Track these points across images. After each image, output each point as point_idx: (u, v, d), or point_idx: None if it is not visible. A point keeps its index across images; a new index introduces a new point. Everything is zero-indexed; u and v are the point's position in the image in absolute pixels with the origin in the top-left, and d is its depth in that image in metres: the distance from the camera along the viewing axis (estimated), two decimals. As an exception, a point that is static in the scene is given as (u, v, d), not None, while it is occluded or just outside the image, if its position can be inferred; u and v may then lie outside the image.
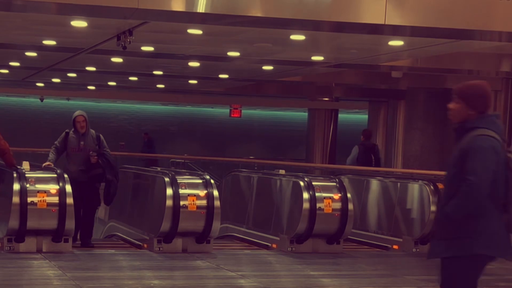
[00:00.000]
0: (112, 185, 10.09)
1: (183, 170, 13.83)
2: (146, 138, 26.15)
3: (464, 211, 4.45)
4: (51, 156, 10.14)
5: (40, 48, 13.50)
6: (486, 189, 4.40)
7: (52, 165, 9.87)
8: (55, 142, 10.25)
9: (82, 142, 10.09)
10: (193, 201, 9.67)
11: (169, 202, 9.60)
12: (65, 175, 9.42)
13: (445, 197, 4.58)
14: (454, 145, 4.66)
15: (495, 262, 4.73)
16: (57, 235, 9.32)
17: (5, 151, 9.51)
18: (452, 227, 4.51)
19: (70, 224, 9.25)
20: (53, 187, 9.29)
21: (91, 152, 9.99)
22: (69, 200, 9.20)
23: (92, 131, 10.23)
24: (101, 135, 10.28)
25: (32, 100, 27.10)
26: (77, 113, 10.24)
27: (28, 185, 9.19)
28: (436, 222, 4.68)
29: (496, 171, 4.46)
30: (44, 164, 9.91)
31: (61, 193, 9.23)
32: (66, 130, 10.28)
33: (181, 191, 9.67)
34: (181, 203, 9.59)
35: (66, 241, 9.42)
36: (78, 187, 9.77)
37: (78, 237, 10.15)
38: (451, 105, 4.67)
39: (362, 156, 15.14)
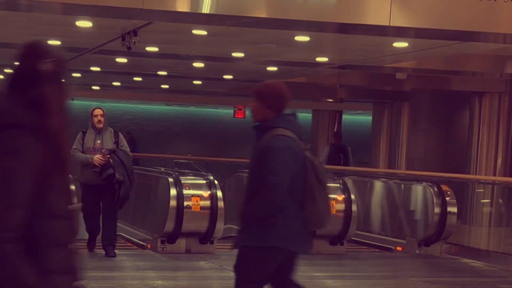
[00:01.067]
0: (124, 186, 8.93)
1: (186, 171, 13.85)
2: (128, 137, 25.58)
3: (266, 209, 4.63)
4: (82, 155, 9.06)
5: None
6: (284, 187, 4.55)
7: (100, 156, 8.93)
8: (74, 147, 9.06)
9: (98, 141, 9.12)
10: (196, 201, 9.68)
11: (172, 203, 9.61)
12: (69, 175, 9.39)
13: (248, 192, 4.79)
14: (254, 144, 4.79)
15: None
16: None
17: None
18: (252, 220, 4.73)
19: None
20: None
21: (103, 150, 9.00)
22: (73, 201, 9.20)
23: (110, 128, 9.27)
24: (120, 133, 9.30)
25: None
26: (94, 106, 9.48)
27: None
28: (239, 215, 4.87)
29: (293, 170, 4.58)
30: (96, 157, 8.96)
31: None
32: (83, 130, 9.34)
33: (185, 191, 9.69)
34: (185, 203, 9.61)
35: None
36: (93, 191, 9.03)
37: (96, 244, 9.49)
38: (251, 104, 4.78)
39: (332, 156, 16.28)
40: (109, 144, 9.11)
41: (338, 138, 17.39)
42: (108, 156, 8.93)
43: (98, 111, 9.20)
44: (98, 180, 8.99)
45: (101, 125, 9.13)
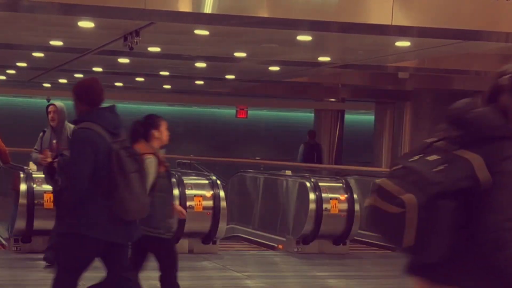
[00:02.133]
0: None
1: (189, 171, 13.85)
2: None
3: (71, 197, 4.83)
4: (34, 156, 8.45)
5: (47, 48, 13.52)
6: (86, 177, 4.74)
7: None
8: (34, 147, 8.46)
9: (54, 141, 8.28)
10: (199, 201, 9.68)
11: (175, 203, 9.60)
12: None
13: (63, 182, 4.99)
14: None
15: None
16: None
17: (2, 151, 9.47)
18: (66, 209, 4.90)
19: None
20: (59, 188, 9.29)
21: (48, 152, 7.90)
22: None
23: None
24: None
25: (39, 101, 27.14)
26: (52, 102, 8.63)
27: (35, 186, 9.20)
28: (54, 204, 5.19)
29: (96, 161, 4.76)
30: (40, 156, 8.21)
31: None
32: (43, 129, 8.58)
33: (187, 191, 9.69)
34: (187, 203, 9.60)
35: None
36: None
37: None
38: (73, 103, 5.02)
39: (306, 154, 17.33)
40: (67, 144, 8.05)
41: (312, 137, 18.24)
42: (50, 160, 6.87)
43: (51, 107, 8.37)
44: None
45: (54, 123, 8.30)
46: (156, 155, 5.70)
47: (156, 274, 5.85)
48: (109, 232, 4.84)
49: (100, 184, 4.77)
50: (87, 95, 4.97)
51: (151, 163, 5.55)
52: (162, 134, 5.83)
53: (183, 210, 6.79)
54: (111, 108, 5.00)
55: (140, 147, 5.53)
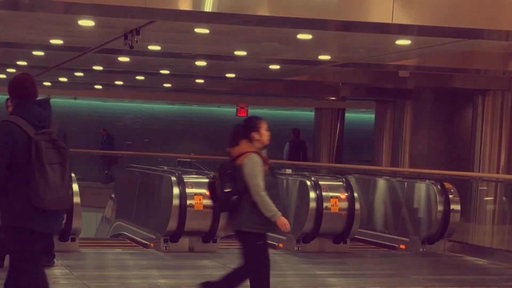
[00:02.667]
0: None
1: (189, 169, 13.84)
2: (106, 135, 25.23)
3: None
4: None
5: (47, 47, 13.51)
6: (3, 167, 4.90)
7: None
8: None
9: None
10: (199, 200, 9.67)
11: (175, 202, 9.60)
12: (72, 174, 9.40)
13: None
14: None
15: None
16: (64, 234, 9.33)
17: None
18: None
19: (77, 223, 9.26)
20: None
21: None
22: (76, 199, 9.21)
23: None
24: None
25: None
26: None
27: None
28: None
29: (14, 152, 4.91)
30: None
31: (68, 192, 9.23)
32: None
33: (188, 190, 9.68)
34: (188, 202, 9.60)
35: (73, 240, 9.44)
36: None
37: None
38: None
39: (292, 152, 17.75)
40: None
41: (296, 135, 18.63)
42: None
43: None
44: None
45: None
46: (259, 154, 5.90)
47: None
48: (37, 222, 4.97)
49: (20, 175, 4.91)
50: (18, 90, 5.13)
51: (255, 161, 5.80)
52: (262, 135, 6.02)
53: (287, 224, 6.88)
54: (42, 102, 5.17)
55: (243, 147, 5.86)
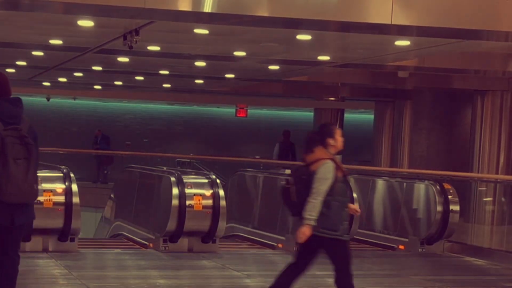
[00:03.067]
0: None
1: (189, 170, 13.85)
2: (100, 135, 25.12)
3: None
4: None
5: (46, 47, 13.51)
6: None
7: None
8: None
9: None
10: (199, 200, 9.68)
11: (175, 202, 9.61)
12: (72, 174, 9.41)
13: None
14: None
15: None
16: (63, 234, 9.33)
17: None
18: None
19: (76, 223, 9.27)
20: (59, 186, 9.31)
21: None
22: (76, 199, 9.22)
23: None
24: None
25: (39, 100, 27.14)
26: None
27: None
28: None
29: None
30: None
31: (67, 192, 9.25)
32: None
33: (187, 190, 9.68)
34: (187, 202, 9.60)
35: (72, 240, 9.44)
36: None
37: None
38: None
39: (281, 153, 18.84)
40: None
41: (286, 137, 19.50)
42: None
43: None
44: None
45: None
46: (334, 160, 6.02)
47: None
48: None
49: None
50: None
51: (329, 167, 5.92)
52: (337, 141, 6.16)
53: (357, 208, 7.07)
54: (13, 101, 5.36)
55: (319, 153, 5.99)
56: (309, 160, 6.07)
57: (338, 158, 6.19)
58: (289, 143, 19.42)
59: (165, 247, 9.76)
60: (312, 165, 6.01)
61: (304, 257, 6.19)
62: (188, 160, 20.97)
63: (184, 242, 9.81)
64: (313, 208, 5.90)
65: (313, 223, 5.93)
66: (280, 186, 6.83)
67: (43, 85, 22.17)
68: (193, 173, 11.02)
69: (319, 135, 6.15)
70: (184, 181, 9.76)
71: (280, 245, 10.57)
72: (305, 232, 5.96)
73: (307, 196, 5.94)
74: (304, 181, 6.01)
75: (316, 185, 5.91)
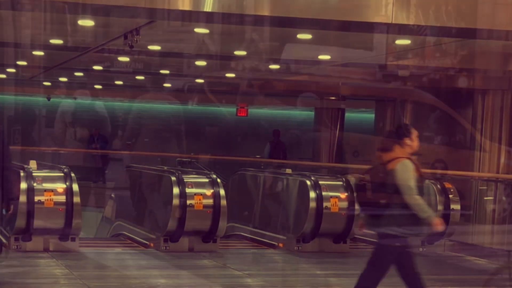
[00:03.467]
0: None
1: (189, 169, 13.84)
2: (97, 135, 24.77)
3: None
4: None
5: (47, 47, 13.51)
6: None
7: None
8: None
9: None
10: (199, 200, 9.68)
11: (175, 201, 9.60)
12: (72, 174, 9.41)
13: None
14: None
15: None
16: (64, 234, 9.33)
17: None
18: None
19: (77, 223, 9.27)
20: (60, 186, 9.31)
21: None
22: (76, 199, 9.22)
23: None
24: None
25: (39, 99, 27.15)
26: None
27: (35, 184, 9.20)
28: None
29: None
30: None
31: (68, 192, 9.24)
32: None
33: (188, 190, 9.68)
34: (188, 202, 9.60)
35: (73, 240, 9.44)
36: None
37: None
38: None
39: (273, 152, 19.41)
40: None
41: (276, 136, 20.23)
42: None
43: None
44: None
45: None
46: (411, 160, 6.14)
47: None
48: None
49: None
50: None
51: (407, 165, 6.04)
52: (414, 142, 6.27)
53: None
54: None
55: (396, 152, 6.11)
56: (386, 159, 6.16)
57: (415, 158, 6.29)
58: (280, 142, 19.88)
59: (165, 247, 9.76)
60: (389, 164, 6.11)
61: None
62: (189, 160, 20.96)
63: (184, 241, 9.81)
64: (421, 207, 6.07)
65: (434, 214, 6.14)
66: (354, 184, 7.00)
67: (44, 85, 22.19)
68: (193, 173, 11.01)
69: (396, 134, 6.24)
70: (185, 180, 9.76)
71: (281, 245, 10.57)
72: (438, 223, 6.14)
73: (382, 194, 6.05)
74: (380, 179, 6.11)
75: (405, 185, 6.01)
